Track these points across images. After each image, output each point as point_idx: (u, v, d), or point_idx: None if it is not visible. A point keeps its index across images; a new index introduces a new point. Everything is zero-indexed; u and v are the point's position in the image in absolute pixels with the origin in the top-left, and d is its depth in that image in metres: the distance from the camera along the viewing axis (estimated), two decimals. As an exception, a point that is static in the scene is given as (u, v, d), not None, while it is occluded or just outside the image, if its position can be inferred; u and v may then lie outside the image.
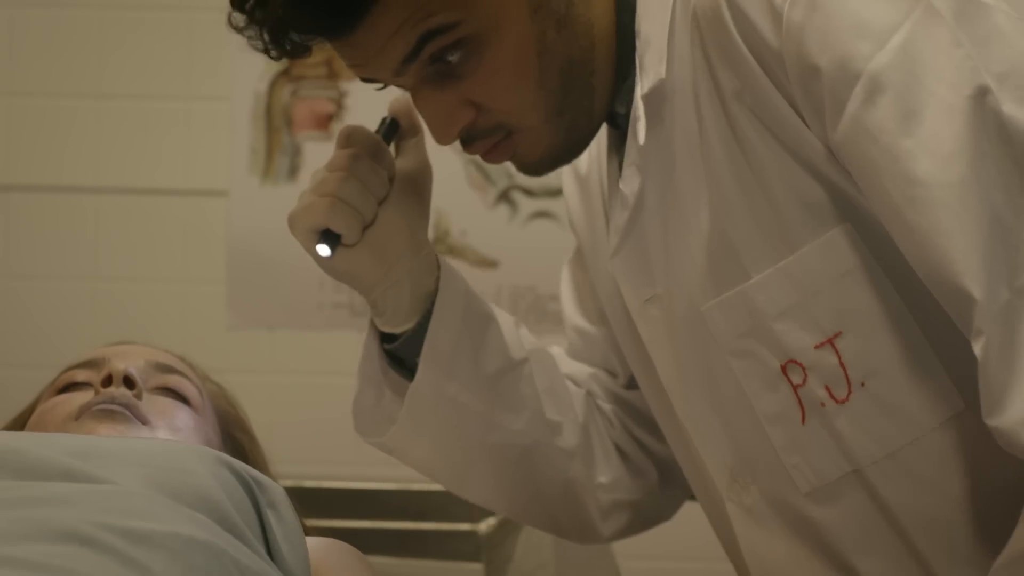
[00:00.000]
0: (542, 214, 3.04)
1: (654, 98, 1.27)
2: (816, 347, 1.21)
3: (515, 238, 3.03)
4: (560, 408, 1.52)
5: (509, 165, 1.35)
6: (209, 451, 1.24)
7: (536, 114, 1.28)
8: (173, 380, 1.48)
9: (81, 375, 1.47)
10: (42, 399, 1.48)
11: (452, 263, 1.49)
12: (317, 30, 1.23)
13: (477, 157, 1.33)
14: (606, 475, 1.55)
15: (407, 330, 1.44)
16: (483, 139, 1.31)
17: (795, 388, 1.23)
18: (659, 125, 1.28)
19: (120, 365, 1.44)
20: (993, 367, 1.05)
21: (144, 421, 1.39)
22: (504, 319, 1.51)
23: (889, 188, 1.11)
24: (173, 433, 1.41)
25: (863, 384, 1.21)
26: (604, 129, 1.40)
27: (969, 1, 1.11)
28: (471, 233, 3.03)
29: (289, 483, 1.36)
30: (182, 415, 1.45)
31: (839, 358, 1.21)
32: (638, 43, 1.28)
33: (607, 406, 1.58)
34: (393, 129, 1.44)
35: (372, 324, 1.47)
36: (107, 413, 1.38)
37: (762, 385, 1.25)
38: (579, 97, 1.29)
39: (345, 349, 2.84)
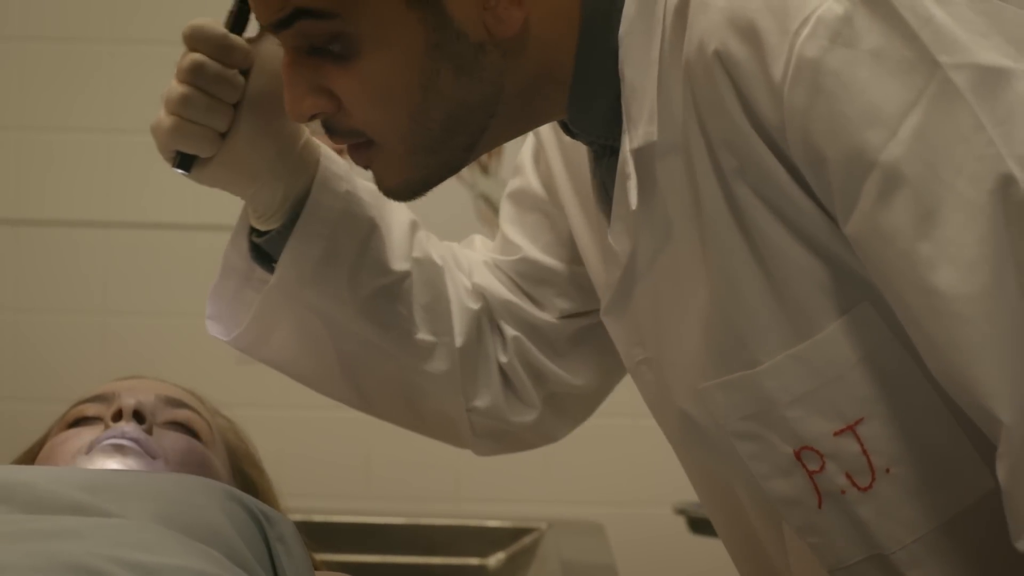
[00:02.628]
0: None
1: (644, 157, 1.17)
2: (835, 434, 1.12)
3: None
4: (436, 328, 1.43)
5: None
6: (219, 485, 1.24)
7: (400, 141, 1.21)
8: (183, 415, 1.48)
9: (91, 409, 1.47)
10: (52, 433, 1.48)
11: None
12: None
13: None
14: (483, 400, 1.45)
15: (275, 228, 1.37)
16: (341, 135, 1.24)
17: (811, 474, 1.15)
18: (651, 188, 1.17)
19: (130, 400, 1.44)
20: (1019, 494, 1.00)
21: (154, 456, 1.39)
22: (397, 222, 1.42)
23: (906, 295, 1.03)
24: (183, 467, 1.41)
25: (888, 470, 1.12)
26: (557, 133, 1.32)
27: (989, 70, 1.01)
28: (480, 267, 3.02)
29: (298, 517, 1.36)
30: (192, 449, 1.45)
31: (862, 445, 1.12)
32: (623, 89, 1.17)
33: (512, 332, 1.46)
34: (244, 15, 1.30)
35: (244, 213, 1.40)
36: (117, 448, 1.38)
37: (772, 469, 1.17)
38: (465, 139, 1.21)
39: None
